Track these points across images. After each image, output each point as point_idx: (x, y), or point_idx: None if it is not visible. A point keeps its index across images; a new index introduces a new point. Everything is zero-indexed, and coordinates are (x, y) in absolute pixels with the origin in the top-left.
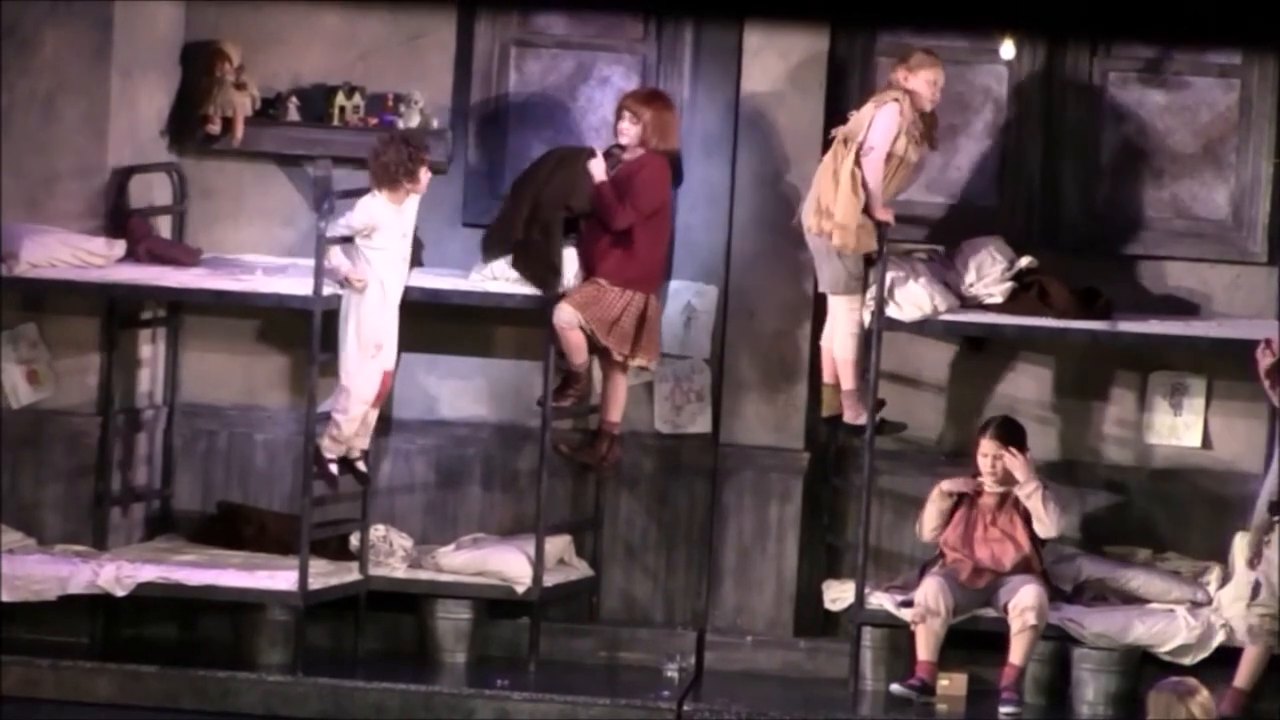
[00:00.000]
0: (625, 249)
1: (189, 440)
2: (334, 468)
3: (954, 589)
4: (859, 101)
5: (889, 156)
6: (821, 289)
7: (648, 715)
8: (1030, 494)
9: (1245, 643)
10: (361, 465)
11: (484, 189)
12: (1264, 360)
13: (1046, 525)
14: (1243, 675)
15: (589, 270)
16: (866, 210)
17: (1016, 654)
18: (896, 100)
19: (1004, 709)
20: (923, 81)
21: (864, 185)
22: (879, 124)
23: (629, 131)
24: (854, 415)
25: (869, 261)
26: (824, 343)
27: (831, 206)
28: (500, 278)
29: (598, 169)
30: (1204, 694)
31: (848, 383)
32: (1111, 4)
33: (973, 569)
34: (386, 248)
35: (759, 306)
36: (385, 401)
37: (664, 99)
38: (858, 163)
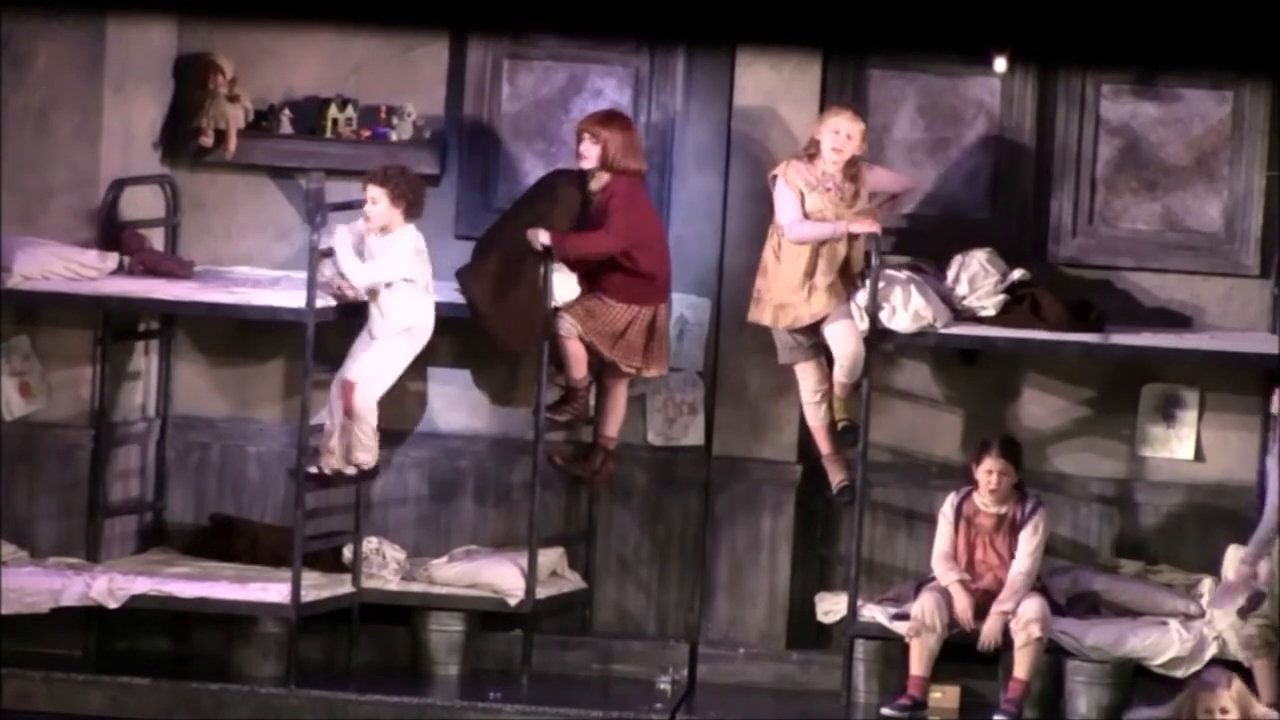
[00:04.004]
0: (622, 269)
1: (182, 453)
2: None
3: (950, 604)
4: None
5: (808, 215)
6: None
7: None
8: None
9: (1246, 658)
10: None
11: (477, 202)
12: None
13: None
14: (1265, 691)
15: (589, 284)
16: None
17: (1022, 668)
18: (778, 174)
19: (996, 717)
20: (826, 131)
21: (801, 249)
22: (777, 203)
23: (589, 153)
24: (837, 477)
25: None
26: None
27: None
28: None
29: (541, 238)
30: (1237, 684)
31: (824, 448)
32: (1104, 31)
33: (975, 590)
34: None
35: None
36: (381, 414)
37: (623, 119)
38: (777, 244)
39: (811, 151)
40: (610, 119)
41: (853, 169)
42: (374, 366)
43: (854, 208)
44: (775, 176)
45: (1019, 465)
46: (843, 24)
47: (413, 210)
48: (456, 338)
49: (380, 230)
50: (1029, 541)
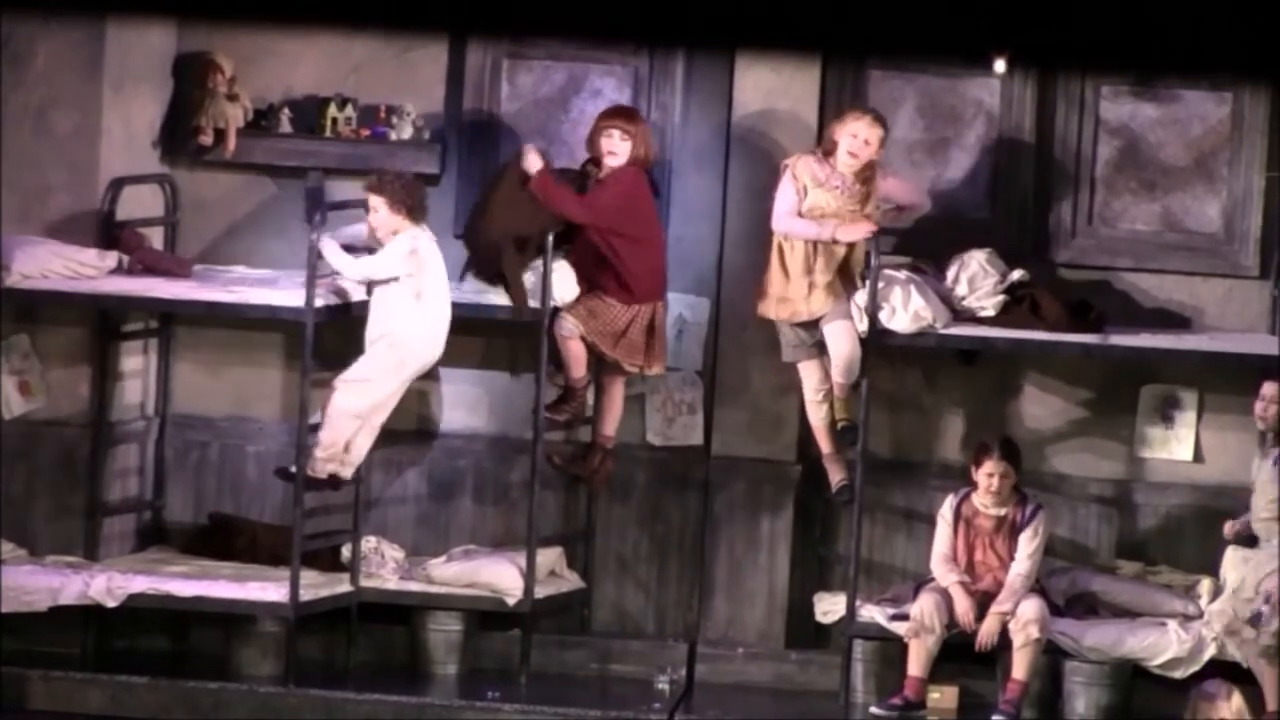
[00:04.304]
0: (618, 267)
1: (180, 452)
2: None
3: (950, 605)
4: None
5: (807, 210)
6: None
7: None
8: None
9: (1259, 666)
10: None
11: (475, 201)
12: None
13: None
14: (1273, 699)
15: (589, 284)
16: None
17: (1020, 669)
18: (788, 164)
19: (994, 717)
20: (844, 134)
21: (796, 244)
22: (777, 195)
23: (621, 149)
24: (836, 477)
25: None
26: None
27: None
28: (493, 290)
29: (533, 162)
30: (1236, 696)
31: (825, 447)
32: (1103, 36)
33: (975, 591)
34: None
35: (751, 319)
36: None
37: (640, 114)
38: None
39: (827, 149)
40: (634, 115)
41: (868, 171)
42: (355, 372)
43: (863, 210)
44: (786, 166)
45: (1019, 467)
46: (842, 28)
47: (415, 213)
48: (454, 336)
49: (389, 236)
50: (1029, 544)
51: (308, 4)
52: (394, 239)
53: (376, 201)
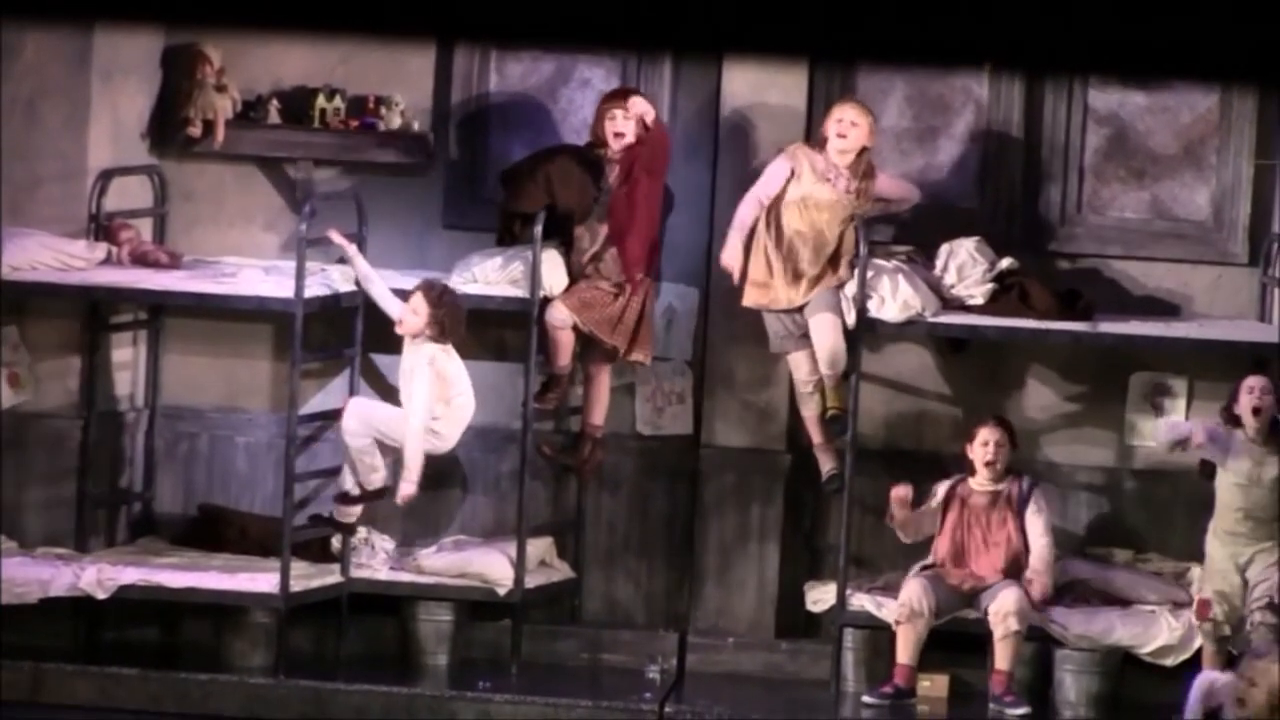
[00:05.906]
0: (635, 227)
1: (170, 443)
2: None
3: (938, 591)
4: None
5: (800, 199)
6: None
7: (629, 717)
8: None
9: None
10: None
11: (465, 192)
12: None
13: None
14: None
15: (587, 265)
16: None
17: (1002, 660)
18: (787, 150)
19: (1013, 711)
20: (831, 120)
21: (783, 230)
22: (765, 171)
23: (626, 128)
24: (826, 466)
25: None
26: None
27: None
28: (481, 280)
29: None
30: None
31: (816, 437)
32: (1092, 42)
33: (968, 575)
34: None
35: (740, 308)
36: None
37: (639, 91)
38: (767, 221)
39: (820, 144)
40: (635, 95)
41: (864, 166)
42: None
43: (860, 208)
44: (785, 150)
45: (1014, 440)
46: (831, 33)
47: (442, 336)
48: None
49: (411, 337)
50: (1036, 523)
51: (289, 8)
52: (420, 358)
53: (420, 305)
